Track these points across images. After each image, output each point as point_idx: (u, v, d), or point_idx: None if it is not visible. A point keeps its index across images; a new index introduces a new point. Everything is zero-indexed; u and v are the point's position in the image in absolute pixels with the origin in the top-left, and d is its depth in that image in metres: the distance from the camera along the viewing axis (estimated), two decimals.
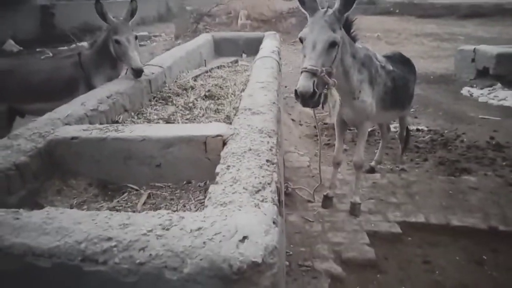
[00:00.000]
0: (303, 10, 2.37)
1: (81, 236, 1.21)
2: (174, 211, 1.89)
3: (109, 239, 1.20)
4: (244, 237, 1.21)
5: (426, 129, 5.18)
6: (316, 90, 2.16)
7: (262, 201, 1.47)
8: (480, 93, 6.80)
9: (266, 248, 1.20)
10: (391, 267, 2.60)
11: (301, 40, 2.33)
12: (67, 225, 1.27)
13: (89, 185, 2.13)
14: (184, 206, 1.95)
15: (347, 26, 2.54)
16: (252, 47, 6.08)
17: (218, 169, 1.76)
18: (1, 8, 13.90)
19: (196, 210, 1.89)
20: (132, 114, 3.06)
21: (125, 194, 2.08)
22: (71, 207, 1.94)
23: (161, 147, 2.12)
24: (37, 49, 13.35)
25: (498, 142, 4.54)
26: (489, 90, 6.84)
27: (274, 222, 1.35)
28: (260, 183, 1.59)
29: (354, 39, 2.61)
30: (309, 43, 2.22)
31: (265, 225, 1.30)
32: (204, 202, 1.97)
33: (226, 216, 1.33)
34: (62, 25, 15.46)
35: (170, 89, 3.73)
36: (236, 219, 1.31)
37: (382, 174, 3.81)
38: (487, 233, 2.87)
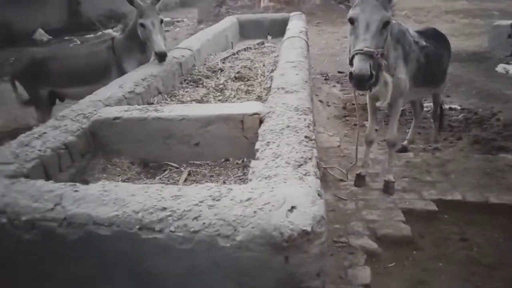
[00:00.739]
0: None
1: (138, 206, 1.28)
2: None
3: (164, 209, 1.26)
4: (293, 207, 1.25)
5: (459, 108, 5.03)
6: (373, 73, 2.09)
7: (305, 174, 1.49)
8: None
9: (314, 217, 1.23)
10: (427, 244, 2.58)
11: (351, 21, 2.23)
12: (123, 196, 1.34)
13: (131, 163, 2.21)
14: (224, 183, 2.00)
15: None
16: (277, 29, 6.03)
17: (257, 146, 1.79)
18: None
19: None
20: (165, 96, 3.13)
21: (166, 172, 2.16)
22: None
23: (199, 126, 2.17)
24: (65, 38, 13.67)
25: None
26: None
27: (319, 194, 1.37)
28: (302, 157, 1.61)
29: None
30: (362, 24, 2.14)
31: (311, 196, 1.32)
32: (243, 179, 2.03)
33: (272, 188, 1.36)
34: (88, 13, 15.74)
35: (200, 72, 3.77)
36: (282, 190, 1.34)
37: (415, 153, 3.75)
38: None
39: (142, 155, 2.25)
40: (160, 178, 2.10)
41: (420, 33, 3.02)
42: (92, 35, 13.68)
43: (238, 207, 1.24)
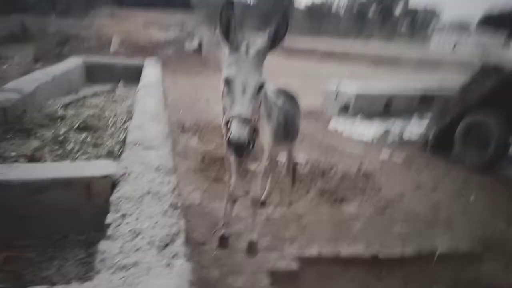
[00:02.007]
0: (223, 43, 2.15)
1: None
2: (44, 278, 1.47)
3: None
4: None
5: (305, 161, 5.52)
6: (250, 140, 1.98)
7: (173, 257, 1.21)
8: (343, 128, 7.74)
9: None
10: None
11: (227, 82, 2.09)
12: None
13: None
14: (60, 270, 1.52)
15: None
16: (130, 75, 5.64)
17: (109, 219, 1.42)
18: None
19: (77, 274, 1.49)
20: None
21: None
22: None
23: (26, 194, 1.64)
24: None
25: (365, 172, 5.11)
26: (350, 125, 7.86)
27: (192, 285, 1.11)
28: (168, 234, 1.33)
29: None
30: (239, 86, 2.02)
31: None
32: (86, 263, 1.59)
33: (130, 285, 1.03)
34: None
35: (33, 120, 3.10)
36: (145, 287, 1.03)
37: (273, 207, 3.84)
38: (371, 260, 3.09)
39: None
40: None
41: (276, 92, 3.18)
42: None
43: None
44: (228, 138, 1.99)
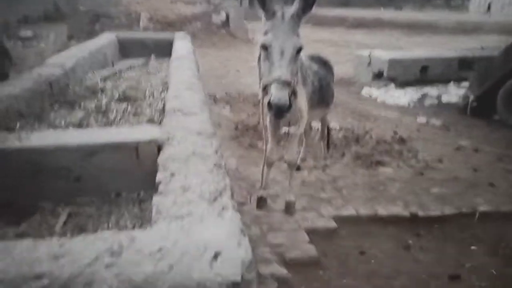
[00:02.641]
0: (259, 12, 2.18)
1: None
2: (106, 230, 1.61)
3: (39, 277, 0.90)
4: (217, 254, 1.02)
5: (338, 127, 5.48)
6: (291, 102, 2.01)
7: (223, 209, 1.29)
8: (378, 94, 7.52)
9: (243, 263, 1.03)
10: (331, 263, 2.61)
11: (264, 47, 2.13)
12: None
13: None
14: (118, 223, 1.65)
15: None
16: (161, 48, 5.74)
17: (160, 178, 1.51)
18: None
19: (134, 227, 1.61)
20: (31, 121, 2.56)
21: (37, 215, 1.69)
22: None
23: (80, 157, 1.77)
24: None
25: (401, 136, 5.02)
26: (384, 90, 7.61)
27: (242, 232, 1.18)
28: (216, 189, 1.40)
29: None
30: (276, 51, 2.05)
31: (234, 237, 1.12)
32: (141, 217, 1.71)
33: (188, 231, 1.12)
34: None
35: (75, 92, 3.26)
36: (201, 233, 1.11)
37: (308, 171, 3.88)
38: (409, 219, 3.10)
39: (3, 195, 1.73)
40: (29, 225, 1.62)
41: (310, 58, 3.16)
42: None
43: (148, 262, 0.96)
44: (269, 101, 2.03)
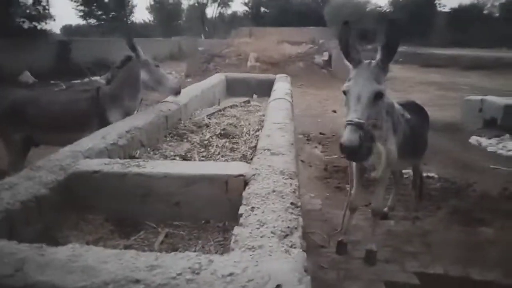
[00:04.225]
0: (346, 62, 2.37)
1: (108, 277, 1.17)
2: (193, 252, 1.86)
3: (137, 281, 1.15)
4: (278, 286, 1.16)
5: (436, 176, 5.15)
6: (362, 143, 2.11)
7: (291, 246, 1.42)
8: (488, 143, 6.82)
9: None
10: None
11: (344, 93, 2.31)
12: (94, 263, 1.22)
13: (105, 220, 2.08)
14: (203, 247, 1.90)
15: None
16: (263, 88, 6.21)
17: (241, 210, 1.72)
18: (19, 41, 14.44)
19: (216, 252, 1.84)
20: (148, 149, 3.06)
21: (142, 232, 2.03)
22: (87, 243, 1.89)
23: (182, 185, 2.09)
24: (52, 82, 13.67)
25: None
26: (497, 141, 6.87)
27: (305, 270, 1.30)
28: (288, 227, 1.55)
29: None
30: (354, 95, 2.20)
31: (297, 273, 1.25)
32: (223, 244, 1.93)
33: (257, 262, 1.28)
34: (77, 59, 15.98)
35: (185, 126, 3.76)
36: (267, 265, 1.26)
37: (396, 221, 3.74)
38: None
39: (118, 212, 2.13)
40: (135, 239, 1.97)
41: (403, 105, 3.14)
42: (79, 81, 13.76)
43: (219, 284, 1.15)
44: (340, 142, 2.13)
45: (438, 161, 5.78)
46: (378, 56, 2.22)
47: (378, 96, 2.19)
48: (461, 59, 20.86)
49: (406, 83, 14.22)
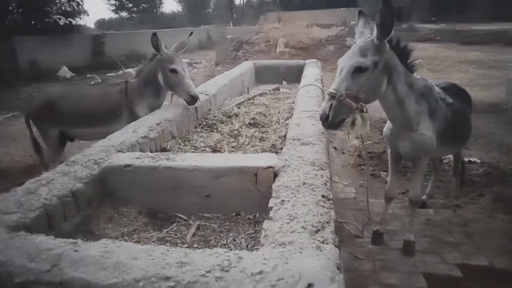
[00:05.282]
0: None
1: (139, 273, 1.17)
2: (224, 245, 1.86)
3: (167, 278, 1.15)
4: (309, 285, 1.12)
5: (479, 161, 4.87)
6: (329, 113, 2.19)
7: (323, 242, 1.38)
8: None
9: None
10: None
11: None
12: (125, 260, 1.24)
13: (139, 213, 2.12)
14: (234, 240, 1.89)
15: (404, 55, 2.45)
16: (292, 75, 6.10)
17: (271, 203, 1.69)
18: (56, 37, 15.02)
19: (247, 246, 1.83)
20: (179, 141, 3.09)
21: (174, 224, 2.06)
22: (122, 235, 1.94)
23: (211, 177, 2.09)
24: (88, 75, 14.17)
25: None
26: None
27: (338, 268, 1.25)
28: (319, 222, 1.50)
29: (411, 70, 2.50)
30: (339, 68, 2.28)
31: (329, 271, 1.20)
32: (254, 237, 1.91)
33: (287, 259, 1.25)
34: (111, 53, 16.44)
35: (215, 116, 3.76)
36: (298, 263, 1.22)
37: (435, 209, 3.57)
38: None
39: (151, 205, 2.16)
40: (167, 231, 1.99)
41: (444, 89, 2.95)
42: (113, 74, 14.18)
43: (249, 282, 1.12)
44: None
45: (481, 145, 5.47)
46: (374, 32, 2.23)
47: (357, 69, 2.20)
48: (504, 35, 19.42)
49: (445, 62, 13.49)
